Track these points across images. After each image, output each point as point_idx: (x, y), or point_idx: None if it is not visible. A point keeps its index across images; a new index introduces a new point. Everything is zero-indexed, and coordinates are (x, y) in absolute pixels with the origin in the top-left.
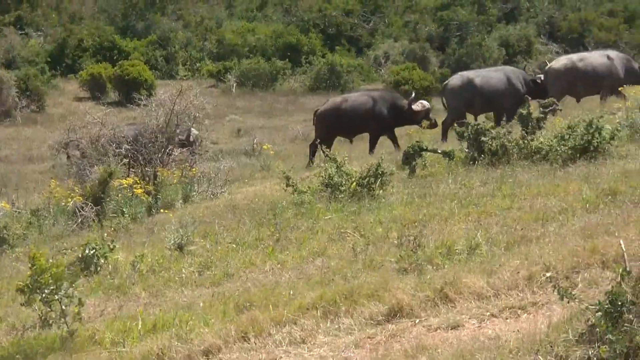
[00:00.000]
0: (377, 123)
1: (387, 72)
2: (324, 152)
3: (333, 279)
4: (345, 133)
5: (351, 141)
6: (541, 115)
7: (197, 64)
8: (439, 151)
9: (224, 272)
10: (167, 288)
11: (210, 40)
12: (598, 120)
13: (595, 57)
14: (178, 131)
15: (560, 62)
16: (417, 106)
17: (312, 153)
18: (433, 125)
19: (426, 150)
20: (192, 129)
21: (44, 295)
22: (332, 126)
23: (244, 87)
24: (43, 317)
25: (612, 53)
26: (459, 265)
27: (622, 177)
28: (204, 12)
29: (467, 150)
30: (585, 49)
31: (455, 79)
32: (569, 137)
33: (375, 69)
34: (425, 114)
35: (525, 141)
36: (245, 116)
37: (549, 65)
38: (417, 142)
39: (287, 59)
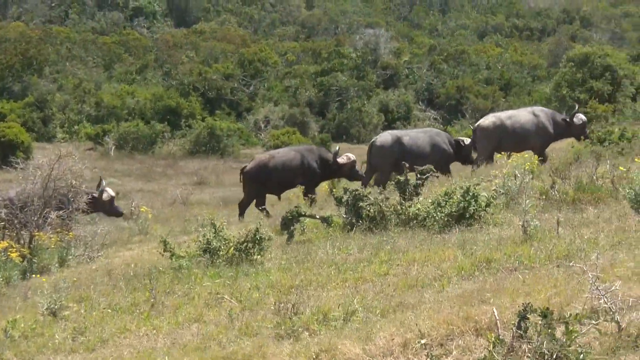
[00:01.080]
0: (306, 177)
1: (267, 136)
2: (260, 209)
3: (209, 345)
4: (274, 190)
5: (279, 198)
6: (418, 182)
7: (75, 127)
8: (317, 217)
9: (98, 338)
10: (39, 354)
11: (89, 103)
12: (475, 188)
13: (522, 115)
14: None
15: (489, 120)
16: (342, 159)
17: (242, 212)
18: (359, 177)
19: (305, 215)
20: (107, 189)
21: None
22: (261, 184)
23: (122, 150)
24: None
25: (537, 109)
26: (335, 332)
27: (497, 244)
28: (83, 74)
29: (345, 215)
30: (463, 116)
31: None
32: (446, 204)
33: (255, 133)
34: (351, 166)
35: (403, 207)
36: (124, 179)
37: (477, 123)
38: (295, 207)
39: (167, 122)
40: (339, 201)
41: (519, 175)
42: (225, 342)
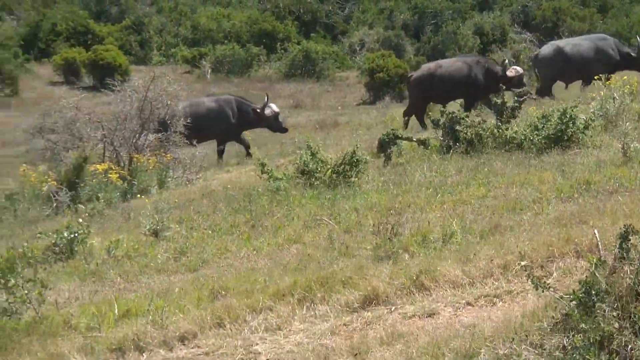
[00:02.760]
0: (472, 89)
1: (363, 60)
2: (419, 119)
3: (308, 266)
4: (439, 99)
5: (444, 106)
6: (515, 105)
7: (172, 50)
8: (414, 139)
9: (199, 258)
10: (142, 274)
11: (185, 26)
12: (572, 110)
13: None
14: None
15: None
16: (510, 72)
17: (406, 123)
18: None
19: (401, 138)
20: (272, 104)
21: (2, 282)
22: (427, 92)
23: (219, 73)
24: (7, 304)
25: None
26: (435, 253)
27: (595, 166)
28: None
29: (442, 138)
30: (560, 39)
31: (547, 49)
32: (543, 127)
33: (350, 56)
34: (519, 79)
35: (500, 130)
36: None
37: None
38: (392, 130)
39: (262, 46)
40: (435, 124)
41: (617, 97)
42: (325, 263)
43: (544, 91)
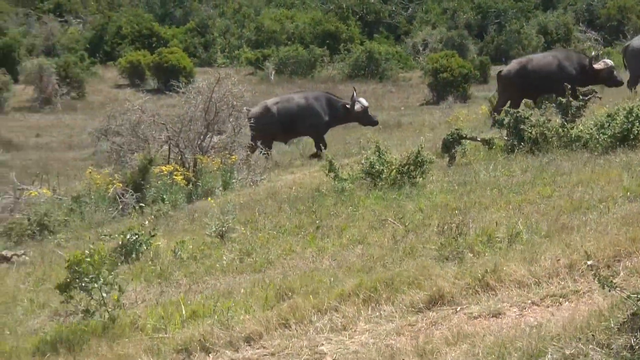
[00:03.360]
0: (563, 83)
1: (426, 60)
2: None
3: (373, 266)
4: (531, 94)
5: (535, 102)
6: (581, 104)
7: (236, 52)
8: (479, 139)
9: (264, 259)
10: (208, 275)
11: (249, 28)
12: (638, 109)
13: None
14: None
15: (638, 40)
16: (599, 65)
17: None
18: (618, 83)
19: (465, 138)
20: (360, 99)
21: (83, 284)
22: (519, 87)
23: (282, 74)
24: (84, 306)
25: None
26: (500, 253)
27: None
28: None
29: (506, 138)
30: (625, 37)
31: (637, 40)
32: (609, 126)
33: (413, 57)
34: (608, 72)
35: (565, 129)
36: None
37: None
38: (456, 129)
39: (326, 47)
40: (500, 124)
41: None
42: (390, 263)
43: (633, 82)
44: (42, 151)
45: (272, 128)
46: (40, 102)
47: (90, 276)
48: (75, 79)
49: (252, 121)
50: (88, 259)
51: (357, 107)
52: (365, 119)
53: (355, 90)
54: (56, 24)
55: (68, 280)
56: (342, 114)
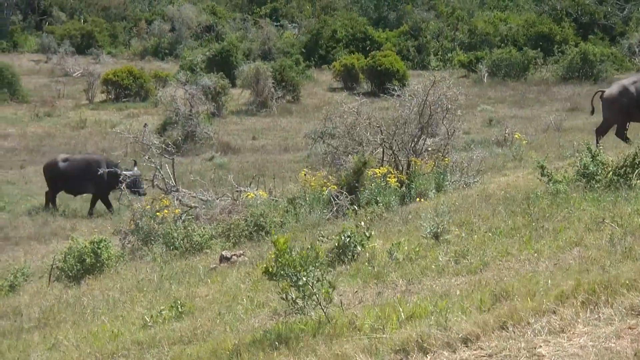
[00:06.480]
0: None
1: None
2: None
3: (591, 268)
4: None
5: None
6: None
7: (449, 54)
8: None
9: (480, 261)
10: (423, 276)
11: (462, 30)
12: None
13: None
14: None
15: None
16: None
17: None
18: None
19: None
20: None
21: (294, 279)
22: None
23: (495, 77)
24: (298, 304)
25: None
26: None
27: None
28: (456, 2)
29: None
30: None
31: (615, 87)
32: None
33: (629, 58)
34: None
35: None
36: (497, 106)
37: None
38: None
39: (539, 48)
40: None
41: None
42: (608, 265)
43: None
44: (259, 154)
45: (630, 108)
46: (257, 105)
47: (301, 272)
48: (290, 83)
49: (607, 102)
50: (300, 255)
51: None
52: None
53: None
54: (272, 28)
55: (274, 268)
56: None
